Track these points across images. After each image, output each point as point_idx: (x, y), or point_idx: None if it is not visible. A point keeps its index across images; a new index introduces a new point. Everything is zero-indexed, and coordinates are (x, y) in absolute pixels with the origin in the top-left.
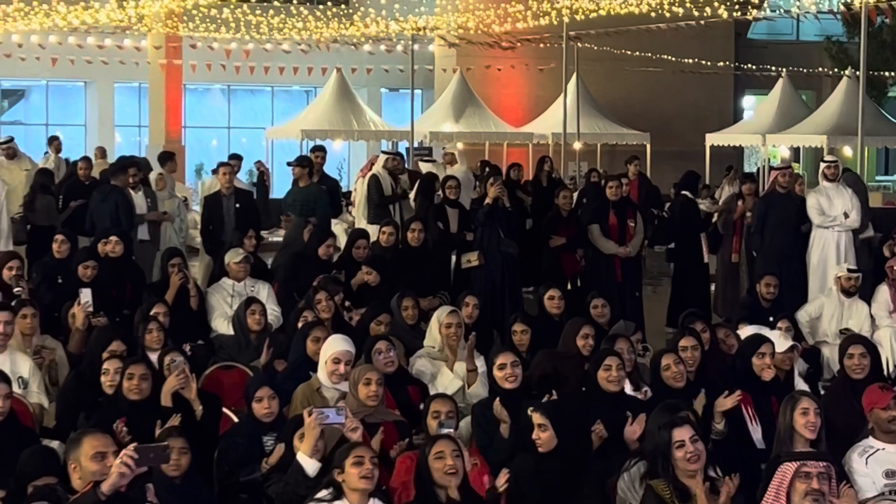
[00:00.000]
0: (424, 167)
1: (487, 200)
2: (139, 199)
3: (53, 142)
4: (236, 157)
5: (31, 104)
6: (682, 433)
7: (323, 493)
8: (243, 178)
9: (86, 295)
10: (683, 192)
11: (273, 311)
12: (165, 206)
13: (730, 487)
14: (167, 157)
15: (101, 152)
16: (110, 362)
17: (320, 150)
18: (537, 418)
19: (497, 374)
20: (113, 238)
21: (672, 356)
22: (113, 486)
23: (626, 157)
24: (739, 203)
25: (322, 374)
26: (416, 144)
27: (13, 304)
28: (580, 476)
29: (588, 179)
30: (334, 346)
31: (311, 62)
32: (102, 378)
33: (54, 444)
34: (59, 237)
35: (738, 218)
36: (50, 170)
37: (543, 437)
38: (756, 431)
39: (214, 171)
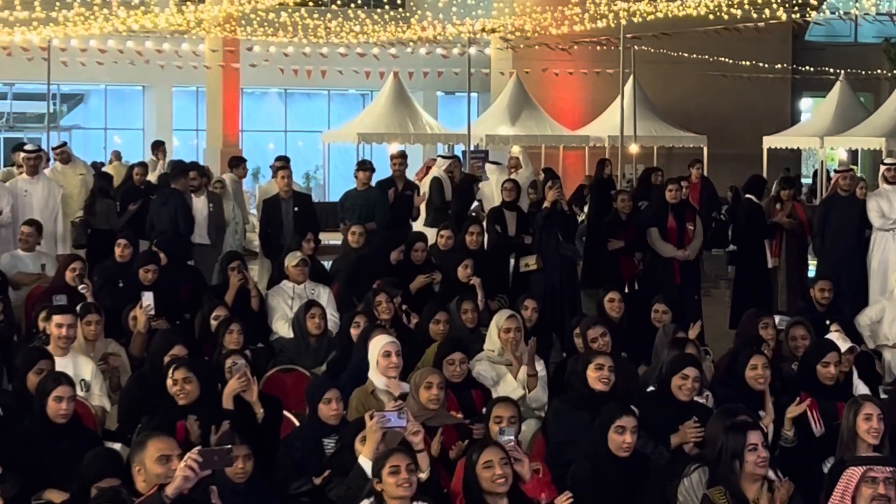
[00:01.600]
0: (490, 170)
1: (546, 204)
2: (199, 204)
3: (160, 146)
4: (283, 159)
5: (89, 108)
6: (756, 437)
7: (366, 502)
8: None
9: (147, 298)
10: (748, 196)
11: (332, 316)
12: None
13: (785, 491)
14: (237, 162)
15: (116, 155)
16: (179, 371)
17: (401, 156)
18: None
19: (593, 374)
20: (122, 242)
21: (762, 358)
22: (177, 489)
23: (682, 160)
24: (777, 207)
25: (374, 374)
26: (472, 148)
27: (78, 308)
28: (640, 482)
29: (649, 180)
30: (381, 341)
31: (368, 65)
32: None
33: (116, 446)
34: (122, 241)
35: (776, 222)
36: (109, 174)
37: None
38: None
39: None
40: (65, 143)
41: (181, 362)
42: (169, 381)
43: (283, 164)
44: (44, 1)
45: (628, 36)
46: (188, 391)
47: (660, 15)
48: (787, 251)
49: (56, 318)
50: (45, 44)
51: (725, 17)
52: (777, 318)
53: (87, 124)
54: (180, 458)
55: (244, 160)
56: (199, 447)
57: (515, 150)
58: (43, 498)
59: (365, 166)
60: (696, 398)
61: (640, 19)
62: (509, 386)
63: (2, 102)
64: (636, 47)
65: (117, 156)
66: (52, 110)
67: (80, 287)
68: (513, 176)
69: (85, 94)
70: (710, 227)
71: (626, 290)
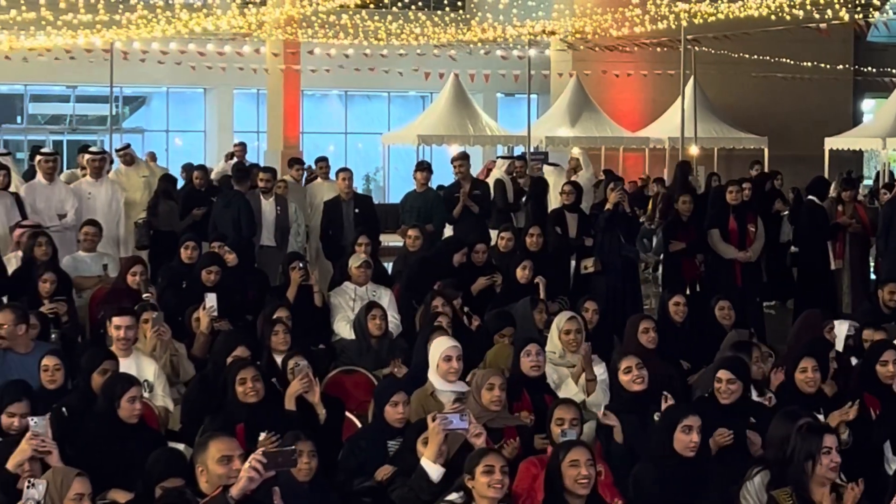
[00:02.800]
0: (547, 172)
1: (608, 206)
2: (267, 206)
3: (242, 148)
4: (323, 160)
5: (151, 111)
6: (831, 440)
7: (454, 497)
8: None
9: (211, 299)
10: (811, 198)
11: (393, 318)
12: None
13: (854, 495)
14: (294, 163)
15: (152, 156)
16: (246, 371)
17: (462, 157)
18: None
19: (623, 378)
20: (190, 244)
21: (811, 361)
22: (242, 490)
23: (743, 162)
24: (839, 208)
25: (434, 376)
26: (531, 149)
27: (136, 307)
28: (702, 484)
29: (709, 184)
30: (442, 344)
31: (428, 67)
32: (238, 389)
33: (180, 446)
34: (189, 243)
35: (838, 223)
36: (173, 176)
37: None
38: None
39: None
40: (128, 145)
41: (246, 362)
42: (236, 382)
43: (323, 164)
44: (107, 4)
45: (689, 37)
46: (258, 389)
47: (721, 16)
48: (850, 253)
49: (115, 320)
50: (108, 46)
51: (787, 17)
52: (843, 324)
53: (148, 126)
54: (242, 458)
55: (302, 162)
56: (263, 448)
57: (576, 151)
58: (107, 498)
59: (422, 167)
60: (758, 399)
61: (701, 20)
62: (570, 391)
63: (65, 105)
64: (697, 48)
65: (152, 157)
66: (114, 113)
67: (144, 295)
68: (574, 177)
69: (147, 96)
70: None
71: (688, 293)
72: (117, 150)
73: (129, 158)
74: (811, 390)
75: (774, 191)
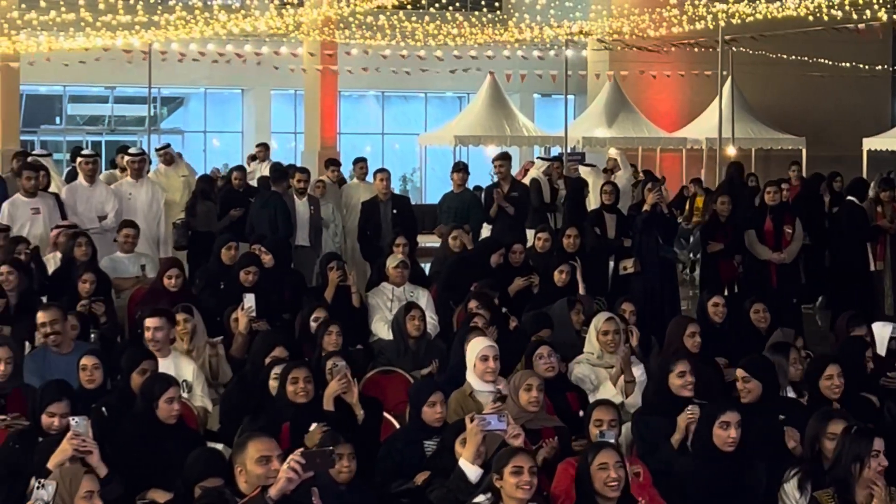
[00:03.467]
0: (584, 173)
1: (645, 207)
2: (302, 206)
3: (264, 148)
4: (361, 161)
5: (189, 111)
6: (880, 444)
7: (481, 499)
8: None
9: (249, 300)
10: (850, 198)
11: (431, 319)
12: (321, 213)
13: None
14: (331, 164)
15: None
16: (298, 371)
17: (502, 158)
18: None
19: (675, 381)
20: (256, 247)
21: (836, 367)
22: (281, 490)
23: (781, 163)
24: (878, 209)
25: (472, 377)
26: (568, 150)
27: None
28: (741, 482)
29: (746, 184)
30: (478, 344)
31: (465, 68)
32: (289, 388)
33: (218, 446)
34: (232, 243)
35: (878, 225)
36: (211, 176)
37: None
38: None
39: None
40: (168, 145)
41: (299, 362)
42: (288, 381)
43: (362, 165)
44: (146, 5)
45: (727, 37)
46: (308, 390)
47: (758, 16)
48: (892, 254)
49: (147, 321)
50: (146, 47)
51: (825, 17)
52: (886, 327)
53: (186, 127)
54: (280, 458)
55: (338, 163)
56: (301, 449)
57: (612, 152)
58: (147, 498)
59: (459, 168)
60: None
61: (739, 21)
62: (608, 392)
63: (103, 106)
64: (734, 49)
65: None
66: (152, 114)
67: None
68: (612, 178)
69: (185, 97)
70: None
71: (726, 293)
72: (157, 150)
73: (168, 158)
74: (835, 397)
75: (833, 193)
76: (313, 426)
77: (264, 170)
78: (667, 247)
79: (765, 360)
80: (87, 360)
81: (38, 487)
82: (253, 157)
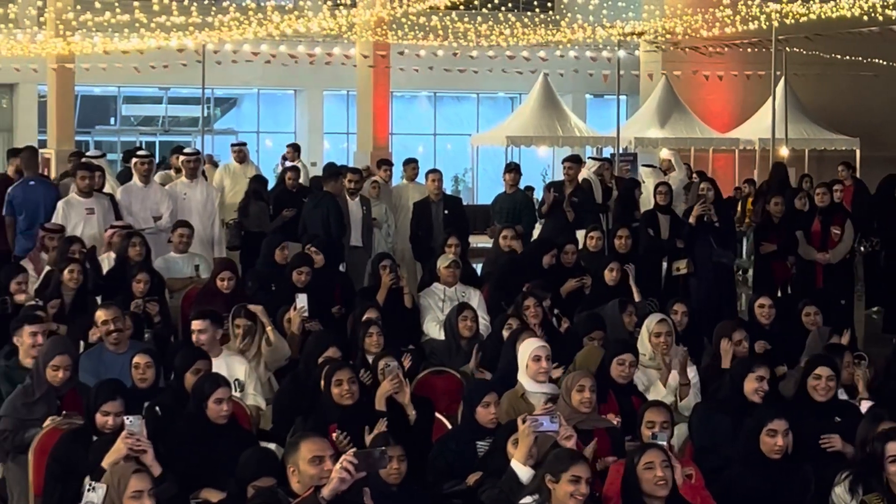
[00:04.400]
0: (645, 173)
1: (690, 219)
2: (354, 206)
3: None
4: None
5: (242, 112)
6: (894, 447)
7: (528, 500)
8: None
9: (301, 300)
10: None
11: (483, 319)
12: (374, 213)
13: None
14: (382, 164)
15: (210, 159)
16: (342, 372)
17: (571, 160)
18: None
19: (752, 384)
20: (313, 248)
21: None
22: (333, 491)
23: (834, 163)
24: None
25: (524, 377)
26: (620, 151)
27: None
28: (792, 486)
29: (800, 185)
30: (531, 345)
31: (517, 68)
32: (334, 390)
33: (271, 446)
34: (285, 244)
35: None
36: (263, 177)
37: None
38: None
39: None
40: (244, 143)
41: (342, 363)
42: (332, 383)
43: (413, 165)
44: (200, 6)
45: (780, 38)
46: (353, 392)
47: (812, 16)
48: None
49: (193, 324)
50: (200, 48)
51: (880, 17)
52: None
53: (239, 128)
54: (333, 459)
55: (391, 163)
56: (354, 449)
57: (665, 153)
58: (200, 497)
59: (511, 169)
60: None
61: (793, 21)
62: (659, 393)
63: (157, 106)
64: (788, 49)
65: (210, 159)
66: (205, 114)
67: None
68: (666, 179)
69: (238, 98)
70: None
71: (779, 295)
72: (232, 145)
73: (242, 156)
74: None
75: None
76: (333, 436)
77: (250, 171)
78: (721, 251)
79: (834, 360)
80: (139, 359)
81: (88, 489)
82: (284, 159)
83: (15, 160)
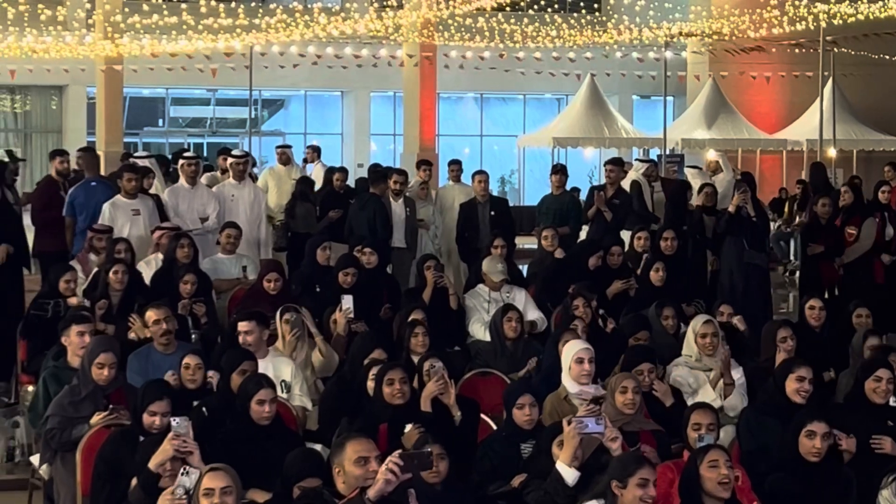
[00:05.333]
0: (690, 174)
1: (730, 208)
2: (398, 207)
3: (314, 150)
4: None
5: (290, 114)
6: None
7: (594, 503)
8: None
9: (347, 301)
10: None
11: (535, 313)
12: (421, 214)
13: None
14: (423, 164)
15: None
16: (394, 372)
17: (612, 163)
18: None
19: (793, 385)
20: (367, 249)
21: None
22: (379, 492)
23: (882, 164)
24: None
25: (567, 379)
26: (667, 152)
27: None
28: (834, 488)
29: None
30: (574, 347)
31: (564, 69)
32: (385, 390)
33: (317, 447)
34: (326, 244)
35: None
36: (310, 178)
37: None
38: None
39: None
40: (289, 146)
41: (395, 363)
42: (384, 383)
43: (455, 167)
44: (247, 8)
45: (828, 38)
46: (405, 392)
47: (860, 17)
48: None
49: (239, 325)
50: (247, 50)
51: None
52: None
53: (287, 129)
54: (378, 459)
55: (430, 163)
56: (399, 451)
57: (711, 154)
58: (246, 498)
59: (557, 170)
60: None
61: (840, 21)
62: (708, 396)
63: (205, 108)
64: (836, 49)
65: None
66: (253, 116)
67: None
68: (711, 180)
69: (285, 99)
70: None
71: (827, 296)
72: (278, 147)
73: (286, 158)
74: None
75: None
76: (408, 427)
77: (317, 173)
78: (753, 252)
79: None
80: (190, 360)
81: (182, 473)
82: (305, 161)
83: (55, 161)
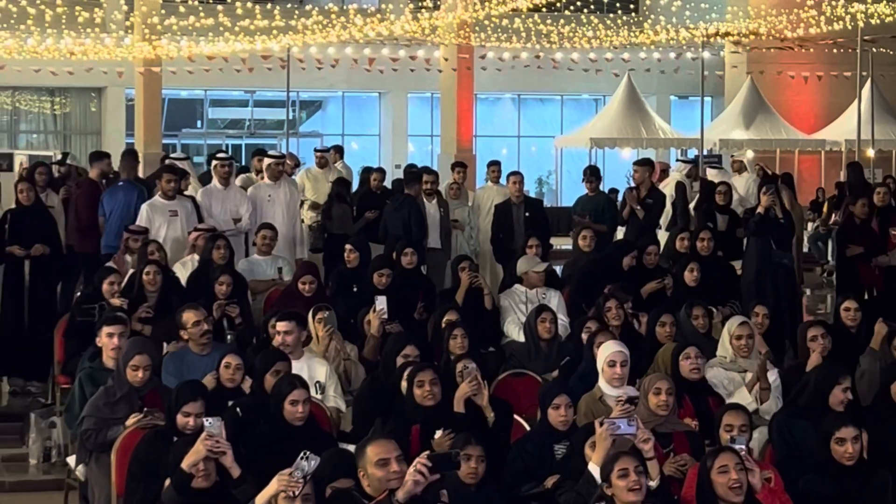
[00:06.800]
0: (711, 174)
1: (759, 210)
2: (432, 208)
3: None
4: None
5: (327, 115)
6: None
7: None
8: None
9: (381, 302)
10: None
11: (562, 321)
12: (456, 215)
13: None
14: (457, 166)
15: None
16: (424, 374)
17: (640, 164)
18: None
19: (838, 395)
20: (409, 250)
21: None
22: (408, 493)
23: None
24: None
25: (601, 380)
26: (705, 152)
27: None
28: (871, 491)
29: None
30: (608, 349)
31: (601, 70)
32: (416, 391)
33: (351, 447)
34: (348, 246)
35: None
36: (346, 179)
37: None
38: None
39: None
40: (328, 149)
41: (425, 365)
42: (414, 385)
43: (495, 168)
44: (283, 10)
45: (866, 38)
46: (435, 393)
47: None
48: None
49: (278, 325)
50: (285, 52)
51: None
52: None
53: (324, 130)
54: (399, 460)
55: (465, 165)
56: (427, 451)
57: (750, 154)
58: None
59: (587, 174)
60: None
61: (878, 21)
62: (745, 399)
63: (243, 109)
64: (874, 49)
65: (292, 157)
66: (291, 117)
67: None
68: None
69: (323, 100)
70: None
71: (866, 297)
72: (316, 150)
73: (324, 161)
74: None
75: None
76: (438, 434)
77: (332, 175)
78: (781, 252)
79: None
80: (230, 359)
81: (302, 458)
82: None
83: (99, 164)
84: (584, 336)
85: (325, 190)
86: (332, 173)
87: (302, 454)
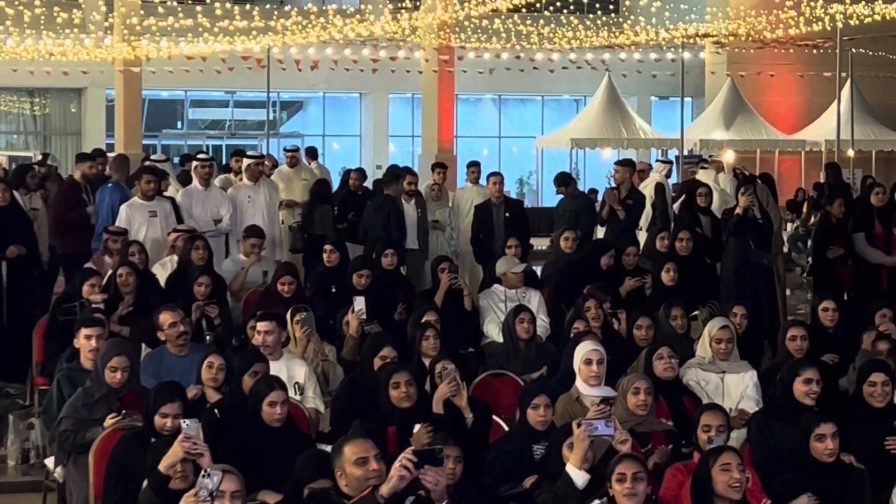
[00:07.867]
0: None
1: (737, 210)
2: (410, 209)
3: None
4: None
5: (308, 115)
6: None
7: (596, 503)
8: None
9: (359, 303)
10: None
11: (542, 321)
12: (437, 216)
13: None
14: (437, 167)
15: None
16: (399, 375)
17: (620, 164)
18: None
19: (801, 387)
20: (389, 251)
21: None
22: (392, 489)
23: None
24: None
25: (578, 379)
26: (685, 153)
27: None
28: (850, 489)
29: (864, 187)
30: (584, 348)
31: (581, 71)
32: (392, 393)
33: (329, 449)
34: (327, 247)
35: None
36: (327, 180)
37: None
38: None
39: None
40: (297, 148)
41: (400, 366)
42: (390, 386)
43: (474, 168)
44: (262, 10)
45: (845, 38)
46: (411, 394)
47: (877, 17)
48: None
49: (258, 325)
50: (265, 53)
51: None
52: None
53: (305, 131)
54: (377, 458)
55: (445, 165)
56: (412, 447)
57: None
58: (257, 499)
59: (559, 181)
60: None
61: (857, 22)
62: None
63: (223, 110)
64: (853, 50)
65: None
66: (271, 117)
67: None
68: (716, 179)
69: (304, 101)
70: None
71: (845, 298)
72: (286, 149)
73: (294, 160)
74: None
75: None
76: (417, 427)
77: (304, 174)
78: (760, 252)
79: (887, 364)
80: (214, 359)
81: (204, 476)
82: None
83: (82, 165)
84: (573, 335)
85: (298, 188)
86: (304, 172)
87: (203, 471)
